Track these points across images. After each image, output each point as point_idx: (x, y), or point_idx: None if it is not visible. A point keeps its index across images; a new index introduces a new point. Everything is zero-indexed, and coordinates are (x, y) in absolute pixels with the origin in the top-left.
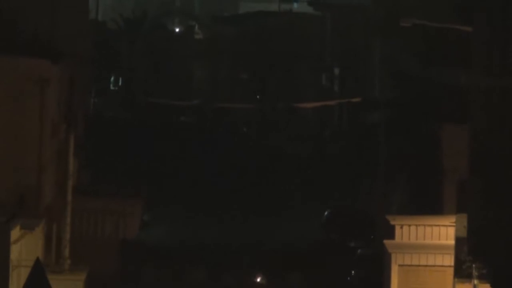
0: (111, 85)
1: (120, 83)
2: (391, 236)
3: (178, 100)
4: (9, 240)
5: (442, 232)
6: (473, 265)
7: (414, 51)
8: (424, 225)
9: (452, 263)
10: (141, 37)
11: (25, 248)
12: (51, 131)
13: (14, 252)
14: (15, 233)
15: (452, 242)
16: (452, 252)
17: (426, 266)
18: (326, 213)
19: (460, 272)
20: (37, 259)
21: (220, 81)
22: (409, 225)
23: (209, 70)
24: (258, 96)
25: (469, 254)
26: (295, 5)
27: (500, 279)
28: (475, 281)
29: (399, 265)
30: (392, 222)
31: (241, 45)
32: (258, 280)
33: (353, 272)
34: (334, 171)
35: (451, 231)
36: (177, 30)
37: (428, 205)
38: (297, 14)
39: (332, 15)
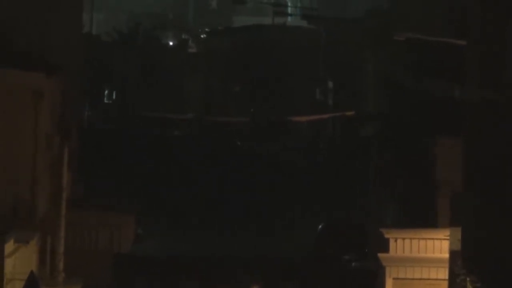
0: (105, 98)
1: (114, 96)
2: (385, 249)
3: (172, 113)
4: (3, 254)
5: (436, 245)
6: (467, 279)
7: (407, 64)
8: (418, 239)
9: (447, 277)
10: (134, 51)
11: (19, 261)
12: (45, 144)
13: (8, 265)
14: (9, 246)
15: (446, 255)
16: (447, 265)
17: (420, 279)
18: (320, 226)
19: (454, 285)
20: (31, 272)
21: (214, 94)
22: (403, 239)
23: (203, 83)
24: (252, 109)
25: (463, 268)
26: (289, 18)
27: None
28: None
29: (394, 279)
30: (386, 236)
31: (234, 58)
32: None
33: (347, 285)
34: (328, 184)
35: (445, 245)
36: (170, 43)
37: (422, 219)
38: (291, 27)
39: (326, 28)
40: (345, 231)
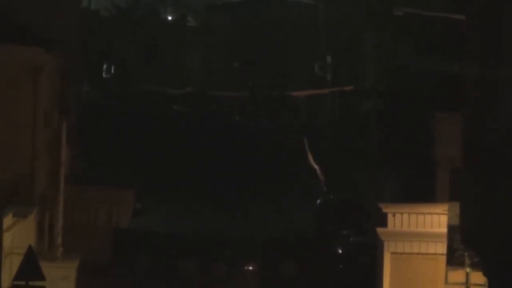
0: (104, 73)
1: (112, 71)
2: (384, 224)
3: (171, 88)
4: (2, 228)
5: (435, 220)
6: (466, 253)
7: (407, 40)
8: (417, 213)
9: (445, 251)
10: (133, 25)
11: (17, 235)
12: (44, 120)
13: (7, 239)
14: (7, 220)
15: (444, 230)
16: (445, 240)
17: (418, 254)
18: (318, 201)
19: (453, 260)
20: (30, 247)
21: (213, 69)
22: (402, 213)
23: (202, 58)
24: (250, 84)
25: (461, 242)
26: None
27: (492, 267)
28: (468, 269)
29: (392, 253)
30: (384, 210)
31: (234, 33)
32: (251, 268)
33: (345, 260)
34: (326, 160)
35: (444, 219)
36: (169, 18)
37: (420, 193)
38: (290, 3)
39: (326, 3)
40: (343, 206)
